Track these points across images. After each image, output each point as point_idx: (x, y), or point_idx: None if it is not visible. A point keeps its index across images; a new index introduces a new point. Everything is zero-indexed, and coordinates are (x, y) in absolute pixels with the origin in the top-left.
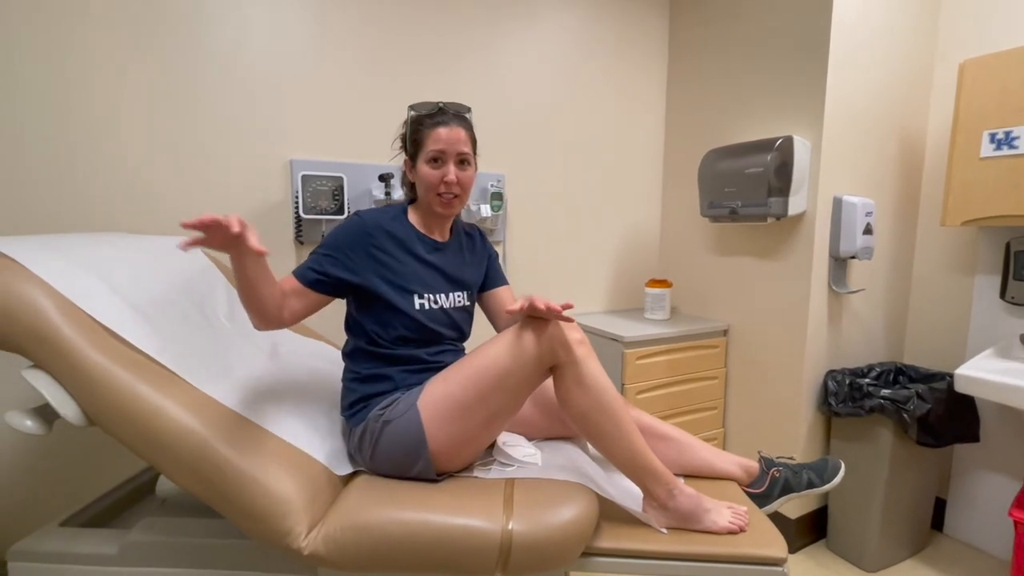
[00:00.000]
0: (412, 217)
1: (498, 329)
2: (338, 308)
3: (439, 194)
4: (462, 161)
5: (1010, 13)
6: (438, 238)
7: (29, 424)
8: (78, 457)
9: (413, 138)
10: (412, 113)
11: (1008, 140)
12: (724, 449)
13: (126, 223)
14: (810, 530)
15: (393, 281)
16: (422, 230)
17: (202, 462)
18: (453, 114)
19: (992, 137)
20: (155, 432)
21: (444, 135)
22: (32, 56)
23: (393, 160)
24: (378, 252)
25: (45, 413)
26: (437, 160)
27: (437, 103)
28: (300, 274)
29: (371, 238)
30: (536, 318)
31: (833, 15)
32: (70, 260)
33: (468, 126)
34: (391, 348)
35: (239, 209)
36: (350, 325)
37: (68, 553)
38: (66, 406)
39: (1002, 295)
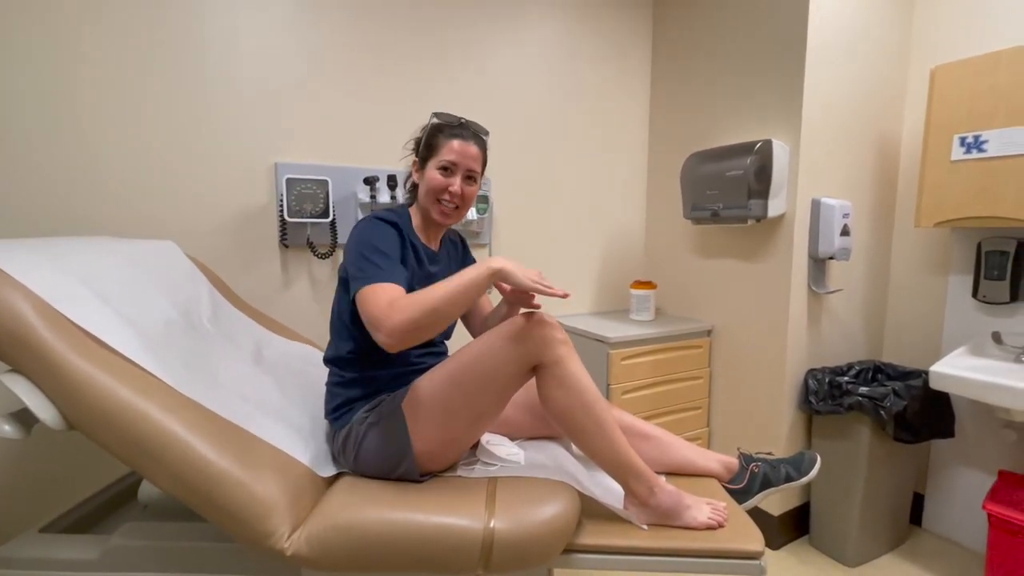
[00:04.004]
0: (414, 221)
1: (474, 334)
2: (323, 309)
3: (439, 200)
4: (469, 177)
5: (979, 21)
6: (433, 247)
7: (7, 429)
8: (58, 462)
9: (428, 143)
10: (434, 120)
11: (977, 144)
12: (709, 448)
13: (110, 227)
14: (793, 527)
15: (409, 289)
16: (422, 238)
17: (184, 465)
18: (472, 132)
19: (962, 141)
20: (137, 436)
21: (459, 148)
22: (17, 59)
23: (402, 160)
24: (404, 260)
25: (24, 417)
26: (447, 169)
27: (460, 118)
28: (396, 281)
29: (403, 244)
30: (519, 319)
31: (809, 23)
32: (51, 264)
33: (483, 147)
34: (383, 352)
35: (224, 212)
36: (340, 330)
37: (48, 559)
38: (45, 410)
39: (974, 294)
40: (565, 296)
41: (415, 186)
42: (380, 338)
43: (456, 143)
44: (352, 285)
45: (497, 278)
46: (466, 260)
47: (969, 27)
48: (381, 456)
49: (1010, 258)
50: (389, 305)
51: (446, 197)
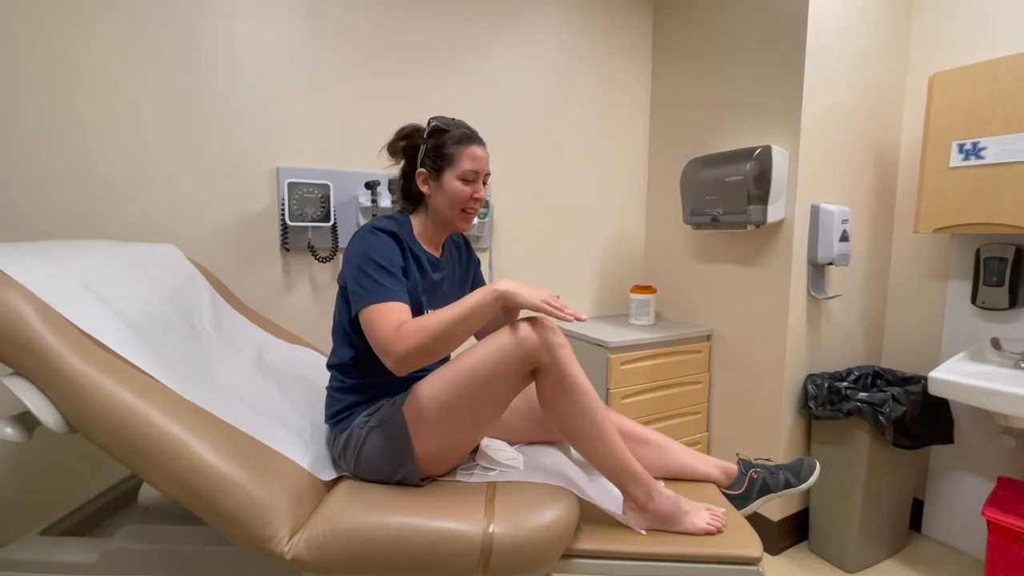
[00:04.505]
0: (416, 230)
1: (478, 336)
2: (324, 313)
3: (464, 210)
4: (484, 181)
5: (977, 29)
6: (436, 254)
7: (9, 432)
8: (59, 465)
9: (440, 152)
10: (440, 127)
11: (975, 151)
12: (708, 453)
13: (111, 230)
14: (792, 532)
15: (410, 299)
16: (425, 246)
17: (184, 468)
18: (479, 136)
19: (960, 147)
20: (138, 438)
21: (482, 155)
22: (18, 63)
23: (387, 168)
24: (406, 270)
25: (26, 420)
26: (470, 178)
27: (459, 120)
28: (400, 300)
29: (403, 255)
30: (517, 322)
31: (808, 30)
32: (53, 267)
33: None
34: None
35: (226, 215)
36: (341, 336)
37: (48, 562)
38: (47, 413)
39: (973, 300)
40: (580, 320)
41: (419, 194)
42: (388, 363)
43: (476, 150)
44: (354, 302)
45: (504, 300)
46: (471, 261)
47: (967, 34)
48: (382, 460)
49: (1009, 264)
50: (396, 330)
51: (471, 205)
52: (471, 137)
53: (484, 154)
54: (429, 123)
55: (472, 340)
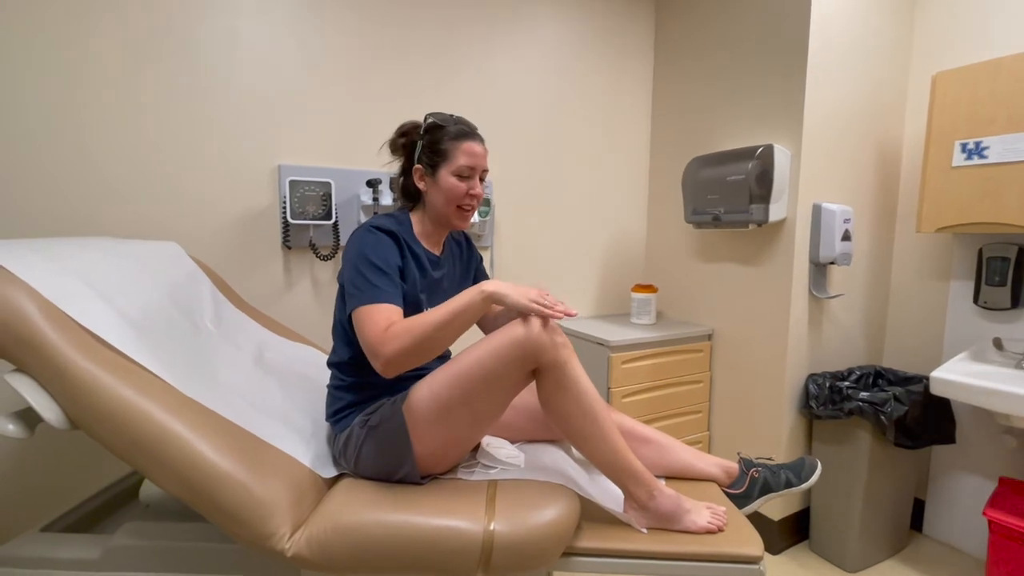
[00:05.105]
0: (416, 228)
1: (484, 331)
2: (325, 311)
3: (460, 206)
4: (481, 177)
5: (980, 28)
6: (436, 251)
7: (11, 428)
8: (60, 461)
9: (436, 148)
10: (437, 123)
11: (978, 150)
12: (709, 452)
13: (113, 228)
14: (793, 532)
15: (407, 298)
16: (424, 244)
17: (186, 466)
18: (477, 132)
19: (963, 147)
20: (139, 435)
21: (478, 151)
22: (19, 62)
23: (386, 166)
24: (404, 269)
25: (28, 417)
26: (465, 174)
27: (457, 116)
28: (392, 301)
29: (402, 254)
30: (519, 321)
31: (811, 29)
32: (55, 263)
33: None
34: None
35: (227, 213)
36: (340, 335)
37: (49, 558)
38: (49, 409)
39: (975, 300)
40: (570, 315)
41: (418, 192)
42: (376, 365)
43: (475, 146)
44: (348, 302)
45: (492, 301)
46: (472, 258)
47: (970, 34)
48: (381, 460)
49: (1011, 264)
50: (384, 331)
51: (467, 201)
52: (467, 133)
53: (481, 150)
54: (426, 119)
55: (474, 338)
